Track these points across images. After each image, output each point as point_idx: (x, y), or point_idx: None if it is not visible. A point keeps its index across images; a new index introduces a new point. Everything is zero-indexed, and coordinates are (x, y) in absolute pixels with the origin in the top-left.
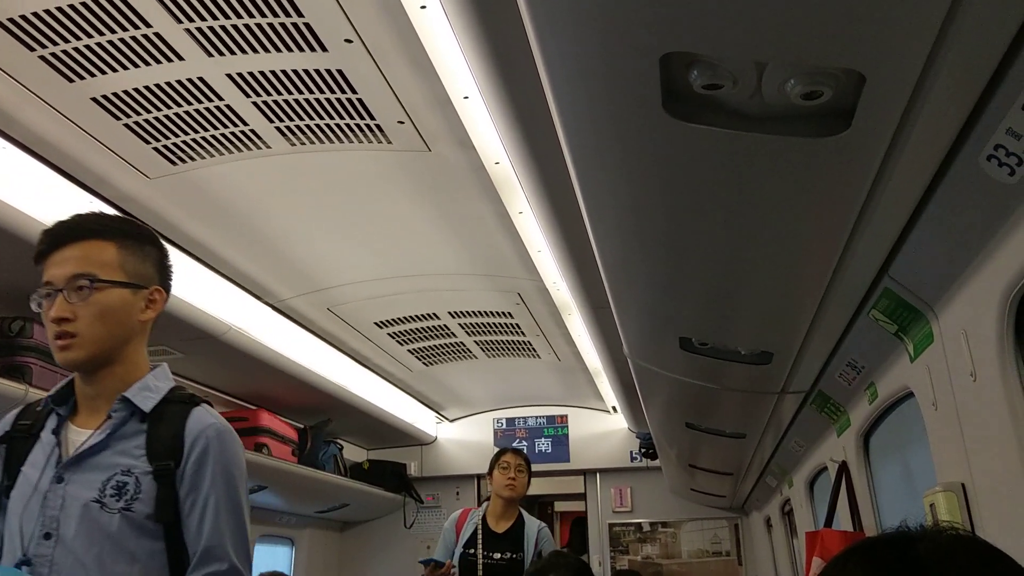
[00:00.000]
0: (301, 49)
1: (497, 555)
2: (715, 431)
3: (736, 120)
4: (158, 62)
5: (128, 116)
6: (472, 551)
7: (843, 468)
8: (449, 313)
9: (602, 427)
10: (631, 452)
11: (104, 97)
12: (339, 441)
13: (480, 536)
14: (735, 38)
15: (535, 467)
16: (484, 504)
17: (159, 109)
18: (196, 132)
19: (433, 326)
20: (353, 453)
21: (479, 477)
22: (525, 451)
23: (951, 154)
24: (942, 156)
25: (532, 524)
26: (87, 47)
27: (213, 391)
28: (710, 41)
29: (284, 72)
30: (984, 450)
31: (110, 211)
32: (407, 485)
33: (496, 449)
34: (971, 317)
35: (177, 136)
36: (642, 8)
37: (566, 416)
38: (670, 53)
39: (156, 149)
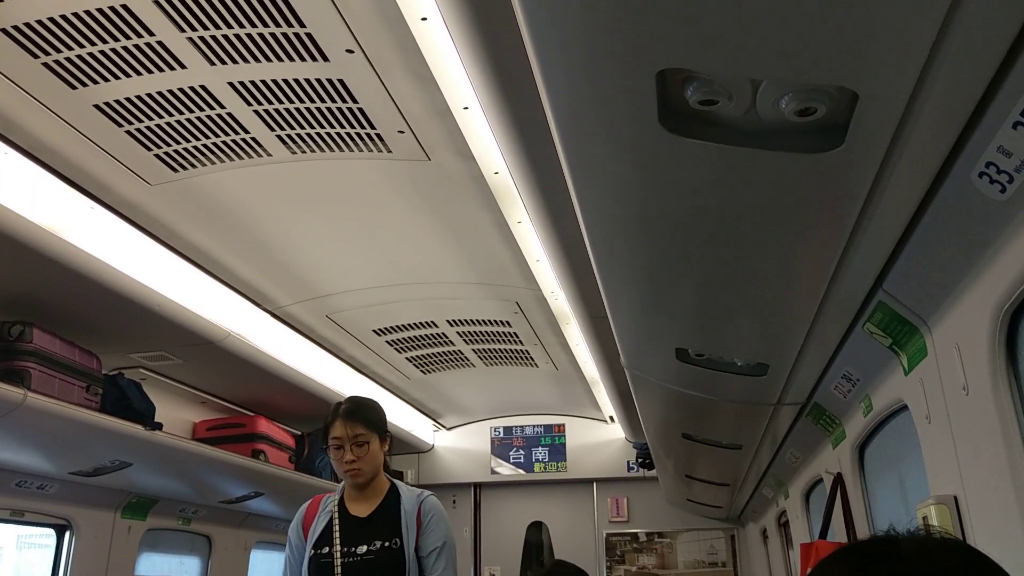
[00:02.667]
0: (303, 58)
1: (362, 548)
2: (711, 442)
3: (731, 135)
4: (160, 70)
5: (130, 123)
6: (326, 549)
7: (838, 480)
8: (447, 321)
9: (599, 437)
10: (628, 462)
11: (106, 104)
12: None
13: (337, 527)
14: (730, 56)
15: (534, 476)
16: (341, 484)
17: (161, 116)
18: (198, 139)
19: (431, 334)
20: None
21: (476, 486)
22: (372, 403)
23: (943, 171)
24: (934, 173)
25: (410, 496)
26: (90, 55)
27: (211, 397)
28: (706, 58)
29: (286, 81)
30: (976, 463)
31: (110, 217)
32: None
33: (493, 458)
34: (964, 331)
35: (179, 143)
36: (639, 25)
37: (563, 425)
38: (666, 69)
39: (158, 156)
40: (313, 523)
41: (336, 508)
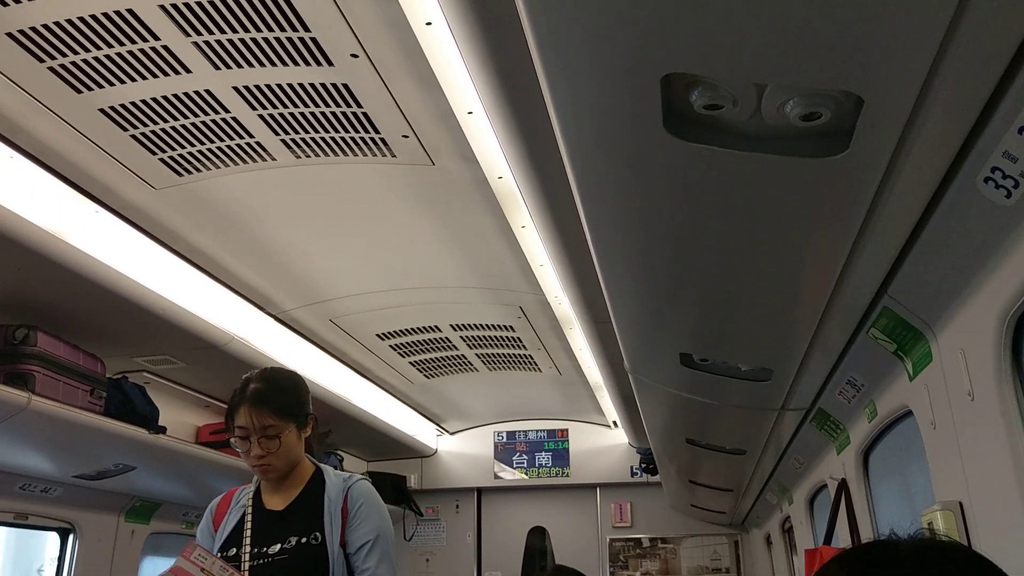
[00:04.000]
0: (307, 63)
1: (275, 548)
2: (715, 447)
3: (736, 140)
4: (166, 74)
5: (135, 127)
6: (233, 551)
7: (843, 486)
8: (451, 326)
9: (603, 442)
10: (631, 467)
11: (112, 108)
12: (339, 452)
13: (249, 524)
14: (735, 60)
15: (537, 481)
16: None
17: (166, 121)
18: (202, 144)
19: (435, 338)
20: (353, 465)
21: (479, 491)
22: (287, 382)
23: (949, 175)
24: (940, 178)
25: (336, 483)
26: (96, 59)
27: (214, 401)
28: (710, 63)
29: (290, 85)
30: (982, 469)
31: (115, 221)
32: (407, 497)
33: (496, 463)
34: (969, 337)
35: (183, 147)
36: (644, 29)
37: (567, 430)
38: (671, 74)
39: (162, 160)
40: (224, 521)
41: (250, 502)
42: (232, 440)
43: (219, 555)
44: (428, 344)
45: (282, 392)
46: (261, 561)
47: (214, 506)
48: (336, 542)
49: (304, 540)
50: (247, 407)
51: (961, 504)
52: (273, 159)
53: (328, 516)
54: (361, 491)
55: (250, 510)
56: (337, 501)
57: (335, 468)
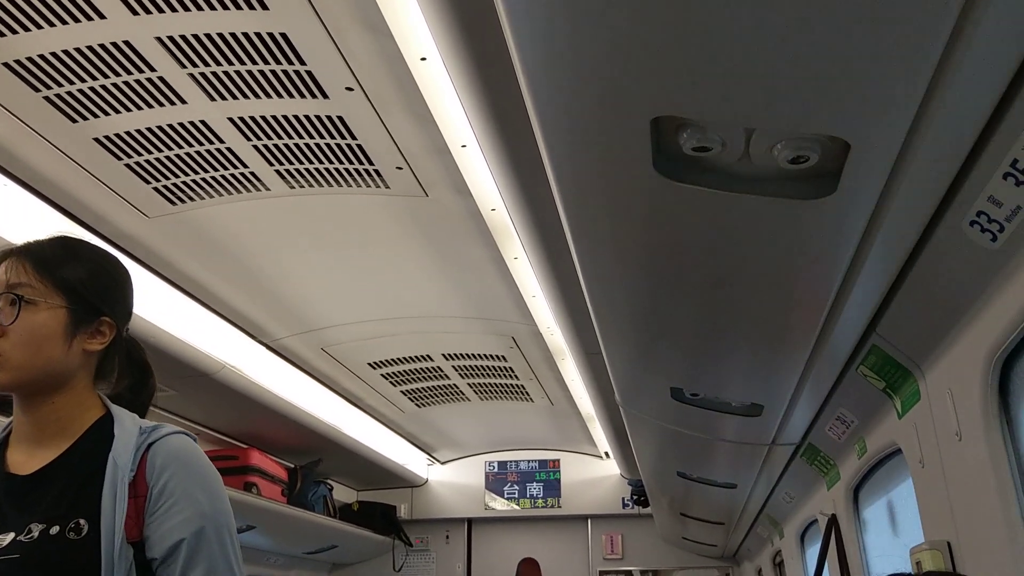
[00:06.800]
0: (303, 95)
1: (6, 538)
2: (706, 480)
3: (725, 181)
4: (161, 105)
5: (129, 156)
6: None
7: (832, 521)
8: (443, 355)
9: (594, 473)
10: (623, 499)
11: (106, 137)
12: (329, 481)
13: None
14: (723, 104)
15: (528, 512)
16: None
17: (160, 150)
18: (196, 173)
19: (426, 368)
20: (343, 494)
21: (470, 521)
22: (85, 252)
23: (935, 219)
24: (926, 220)
25: (128, 439)
26: (91, 89)
27: (205, 429)
28: (699, 106)
29: (285, 117)
30: (969, 509)
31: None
32: (397, 527)
33: (487, 493)
34: (957, 377)
35: (178, 177)
36: (634, 71)
37: (558, 460)
38: (661, 116)
39: (156, 189)
40: None
41: None
42: None
43: None
44: (420, 373)
45: (75, 259)
46: None
47: None
48: (119, 537)
49: (57, 530)
50: (10, 259)
51: (949, 544)
52: (267, 189)
53: (110, 492)
54: (172, 452)
55: None
56: (126, 467)
57: (326, 497)
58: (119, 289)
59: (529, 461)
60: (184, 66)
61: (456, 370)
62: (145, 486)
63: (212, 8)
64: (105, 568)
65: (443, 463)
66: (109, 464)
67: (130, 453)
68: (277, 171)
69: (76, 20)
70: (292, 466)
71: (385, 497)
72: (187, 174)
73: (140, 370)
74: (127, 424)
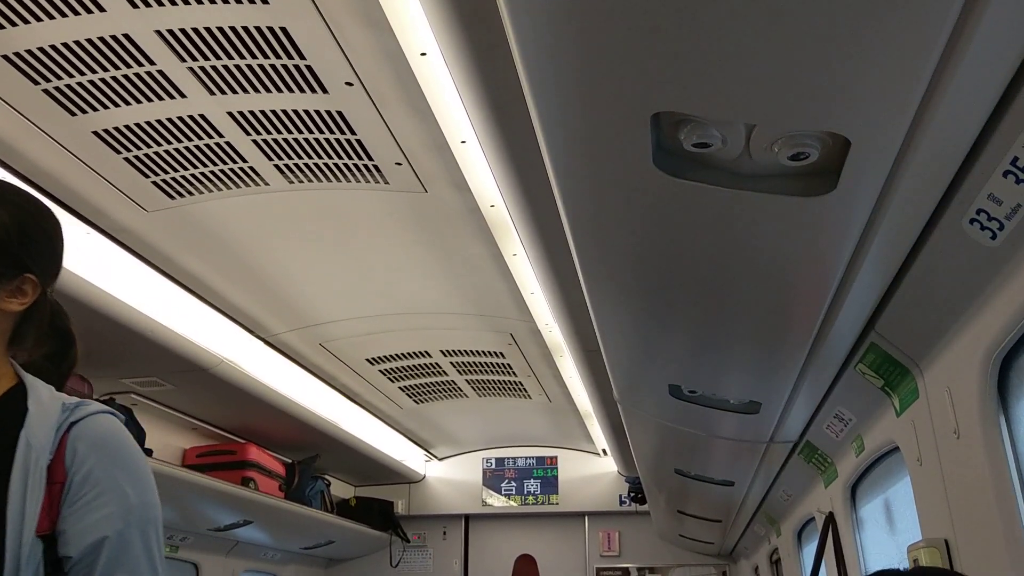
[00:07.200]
0: (302, 90)
1: None
2: (704, 478)
3: (725, 177)
4: (160, 99)
5: (128, 150)
6: None
7: (830, 519)
8: (441, 351)
9: (592, 470)
10: (620, 496)
11: (105, 131)
12: (327, 477)
13: None
14: (724, 101)
15: (525, 508)
16: None
17: (160, 144)
18: (195, 168)
19: (425, 364)
20: (341, 490)
21: (467, 517)
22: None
23: (935, 216)
24: (926, 218)
25: (47, 415)
26: (91, 82)
27: (202, 423)
28: (700, 103)
29: (285, 112)
30: (967, 507)
31: (106, 243)
32: (394, 523)
33: (484, 490)
34: (955, 375)
35: (176, 171)
36: (634, 68)
37: (556, 457)
38: (661, 112)
39: (155, 183)
40: None
41: None
42: None
43: None
44: (418, 369)
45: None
46: None
47: None
48: (28, 531)
49: None
50: None
51: (947, 541)
52: (266, 184)
53: (20, 477)
54: (98, 436)
55: None
56: (44, 450)
57: (323, 492)
58: (48, 242)
59: (527, 458)
60: (183, 60)
61: (454, 366)
62: (63, 472)
63: (212, 2)
64: (10, 567)
65: (440, 459)
66: (20, 443)
67: (48, 433)
68: (276, 166)
69: (75, 13)
70: (290, 461)
71: (382, 493)
72: (186, 168)
73: (62, 338)
74: (44, 398)
